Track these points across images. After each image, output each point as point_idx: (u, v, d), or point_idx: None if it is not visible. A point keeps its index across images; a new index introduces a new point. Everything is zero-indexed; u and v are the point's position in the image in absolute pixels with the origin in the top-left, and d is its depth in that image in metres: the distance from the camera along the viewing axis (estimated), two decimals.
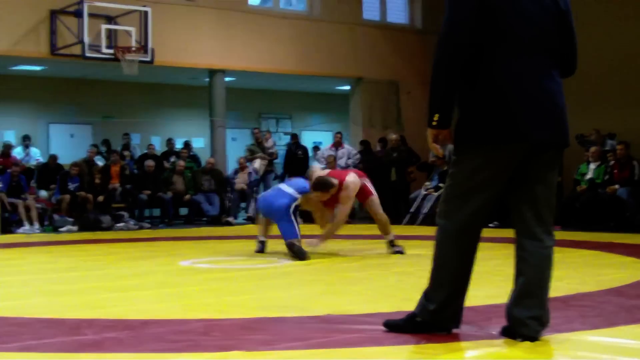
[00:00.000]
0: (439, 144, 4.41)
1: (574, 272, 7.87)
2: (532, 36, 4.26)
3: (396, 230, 11.77)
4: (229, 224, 17.96)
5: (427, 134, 4.39)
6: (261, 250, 10.14)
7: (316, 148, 23.11)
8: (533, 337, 4.32)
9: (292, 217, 9.64)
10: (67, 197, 16.91)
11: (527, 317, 4.32)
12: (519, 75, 4.22)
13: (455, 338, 4.47)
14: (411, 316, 4.61)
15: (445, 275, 4.48)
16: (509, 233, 4.56)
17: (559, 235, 13.14)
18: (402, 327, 4.62)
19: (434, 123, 4.34)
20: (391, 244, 10.03)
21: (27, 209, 16.15)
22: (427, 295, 4.55)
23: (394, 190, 18.86)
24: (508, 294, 4.46)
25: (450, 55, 4.21)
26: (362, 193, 10.09)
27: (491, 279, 7.06)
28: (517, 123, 4.21)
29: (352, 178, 9.87)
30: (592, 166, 15.92)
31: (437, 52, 4.25)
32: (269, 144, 19.85)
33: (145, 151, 20.15)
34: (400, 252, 9.89)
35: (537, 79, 4.24)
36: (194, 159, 20.45)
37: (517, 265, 4.42)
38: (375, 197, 10.17)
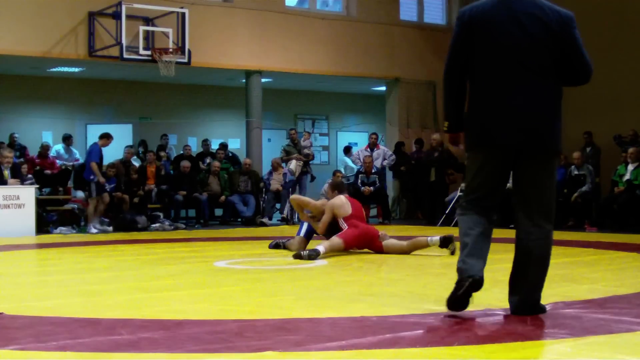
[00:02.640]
0: (454, 144, 5.50)
1: (611, 274, 7.80)
2: (507, 57, 5.11)
3: (432, 231, 11.76)
4: (264, 224, 18.00)
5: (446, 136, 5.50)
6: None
7: (347, 148, 23.10)
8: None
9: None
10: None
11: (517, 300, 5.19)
12: (490, 91, 5.15)
13: (489, 340, 4.45)
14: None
15: (462, 246, 5.27)
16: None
17: (597, 237, 13.11)
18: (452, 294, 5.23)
19: (445, 128, 5.42)
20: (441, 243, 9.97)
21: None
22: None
23: (432, 191, 18.83)
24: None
25: (446, 76, 5.32)
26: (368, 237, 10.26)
27: None
28: (486, 131, 5.17)
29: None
30: (630, 167, 15.77)
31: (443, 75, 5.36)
32: (306, 144, 19.83)
33: (182, 152, 20.26)
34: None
35: (508, 93, 5.10)
36: (233, 159, 20.52)
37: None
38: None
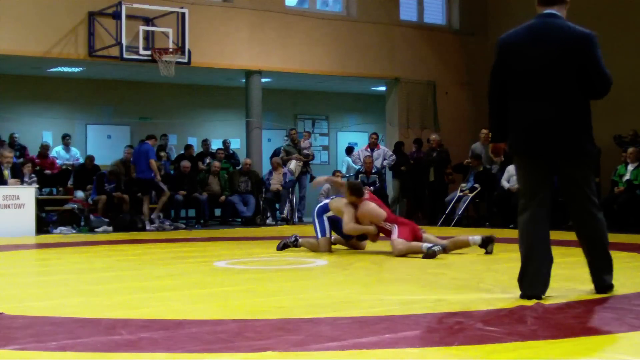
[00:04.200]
0: (495, 154, 6.54)
1: None
2: (532, 76, 5.90)
3: (432, 231, 11.74)
4: (264, 224, 18.00)
5: (489, 146, 6.64)
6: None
7: (349, 149, 23.08)
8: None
9: (317, 219, 10.58)
10: (104, 197, 17.04)
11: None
12: (520, 109, 5.98)
13: (489, 340, 4.45)
14: None
15: (521, 250, 5.97)
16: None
17: None
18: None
19: (489, 138, 6.40)
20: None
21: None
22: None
23: (431, 191, 18.85)
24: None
25: (489, 96, 6.19)
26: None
27: None
28: (518, 141, 6.02)
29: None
30: (630, 167, 15.78)
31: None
32: (305, 144, 19.83)
33: (182, 152, 20.26)
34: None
35: (533, 107, 5.90)
36: (233, 157, 20.50)
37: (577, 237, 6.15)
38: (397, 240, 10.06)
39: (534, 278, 5.84)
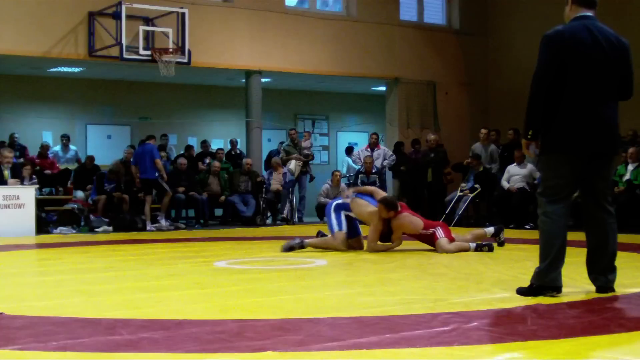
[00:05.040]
0: (530, 150, 6.30)
1: None
2: (593, 79, 6.01)
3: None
4: (264, 224, 17.99)
5: (522, 142, 6.31)
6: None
7: (349, 149, 23.09)
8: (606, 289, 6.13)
9: (334, 214, 10.54)
10: (104, 197, 17.03)
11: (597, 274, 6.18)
12: (583, 107, 6.01)
13: (489, 340, 4.45)
14: (530, 285, 6.07)
15: (541, 244, 6.05)
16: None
17: None
18: (525, 292, 6.06)
19: (529, 136, 6.17)
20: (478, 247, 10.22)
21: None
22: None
23: (430, 191, 18.83)
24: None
25: (537, 90, 6.03)
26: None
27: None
28: (576, 137, 6.00)
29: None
30: (630, 167, 15.76)
31: (531, 89, 6.06)
32: (306, 144, 19.82)
33: (182, 152, 20.24)
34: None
35: (595, 109, 6.03)
36: (239, 157, 20.49)
37: (587, 235, 6.25)
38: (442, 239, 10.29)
39: (560, 272, 6.00)
